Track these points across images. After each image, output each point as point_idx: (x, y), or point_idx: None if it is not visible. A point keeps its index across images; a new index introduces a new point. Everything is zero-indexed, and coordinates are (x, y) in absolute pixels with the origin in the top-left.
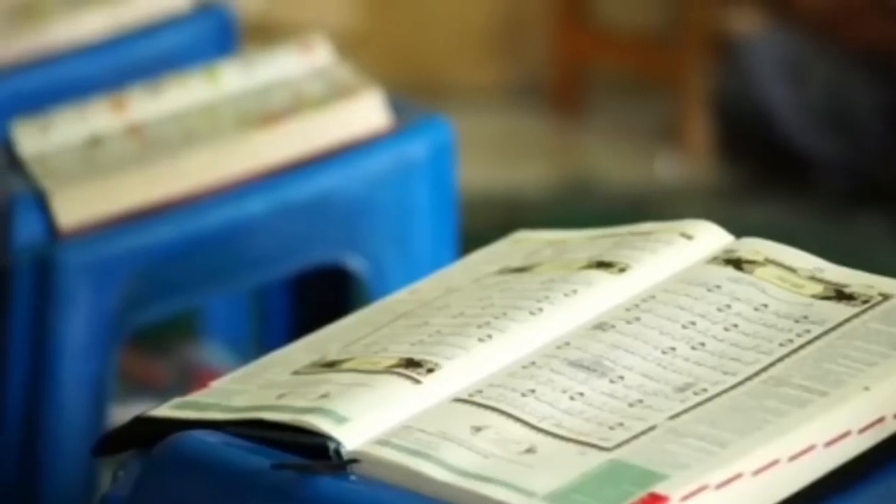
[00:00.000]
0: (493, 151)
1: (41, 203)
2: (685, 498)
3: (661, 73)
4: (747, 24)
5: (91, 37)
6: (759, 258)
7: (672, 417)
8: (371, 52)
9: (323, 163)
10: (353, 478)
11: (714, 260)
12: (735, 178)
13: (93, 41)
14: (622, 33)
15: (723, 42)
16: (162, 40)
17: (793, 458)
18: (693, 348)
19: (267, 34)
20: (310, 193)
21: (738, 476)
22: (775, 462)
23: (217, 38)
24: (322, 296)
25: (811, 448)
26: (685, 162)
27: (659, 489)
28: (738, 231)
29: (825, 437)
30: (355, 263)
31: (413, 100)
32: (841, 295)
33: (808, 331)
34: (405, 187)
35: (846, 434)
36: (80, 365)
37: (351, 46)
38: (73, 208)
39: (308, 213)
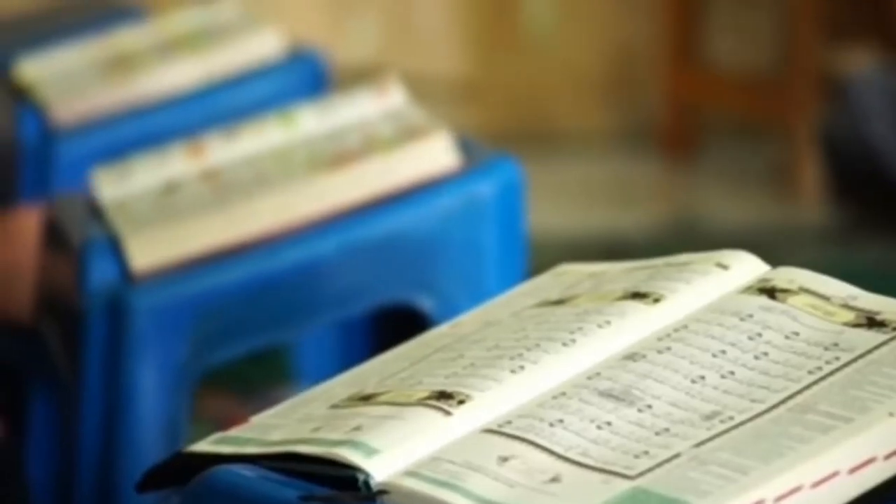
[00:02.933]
0: (603, 196)
1: (115, 247)
2: None
3: (771, 114)
4: (856, 64)
5: (184, 86)
6: (793, 287)
7: (697, 445)
8: (482, 99)
9: (392, 203)
10: None
11: (748, 289)
12: (846, 218)
13: (185, 90)
14: (732, 75)
15: (832, 82)
16: (254, 89)
17: (816, 484)
18: (722, 377)
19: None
20: (379, 233)
21: (761, 503)
22: (798, 489)
23: (309, 85)
24: (401, 335)
25: (835, 474)
26: (796, 203)
27: None
28: (849, 272)
29: (849, 464)
30: (425, 303)
31: (524, 146)
32: (872, 322)
33: (837, 358)
34: (473, 227)
35: (871, 460)
36: (153, 406)
37: (462, 93)
38: (147, 252)
39: (378, 254)
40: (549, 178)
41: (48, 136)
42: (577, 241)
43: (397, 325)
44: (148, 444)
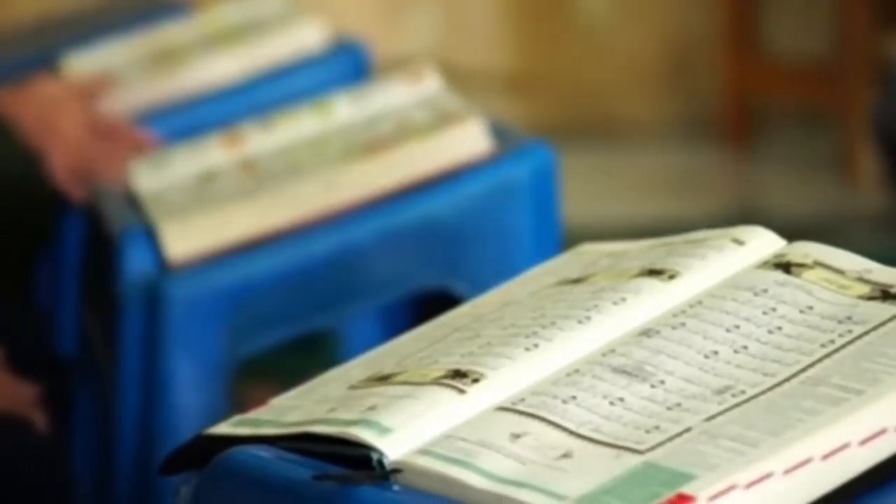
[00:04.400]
0: (663, 186)
1: (152, 236)
2: (713, 498)
3: (829, 101)
4: None
5: (227, 79)
6: (808, 261)
7: (708, 419)
8: (539, 92)
9: (426, 189)
10: (395, 487)
11: (763, 264)
12: None
13: (229, 83)
14: (790, 63)
15: (888, 69)
16: (297, 81)
17: (826, 456)
18: (736, 352)
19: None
20: (414, 220)
21: (769, 475)
22: (808, 461)
23: (352, 77)
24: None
25: (845, 446)
26: (855, 190)
27: (686, 489)
28: None
29: (860, 436)
30: (459, 288)
31: (583, 138)
32: (886, 295)
33: (850, 331)
34: (507, 212)
35: (882, 432)
36: (189, 395)
37: (519, 86)
38: (182, 241)
39: (412, 240)
40: (609, 170)
41: None
42: (637, 232)
43: (441, 310)
44: (185, 433)
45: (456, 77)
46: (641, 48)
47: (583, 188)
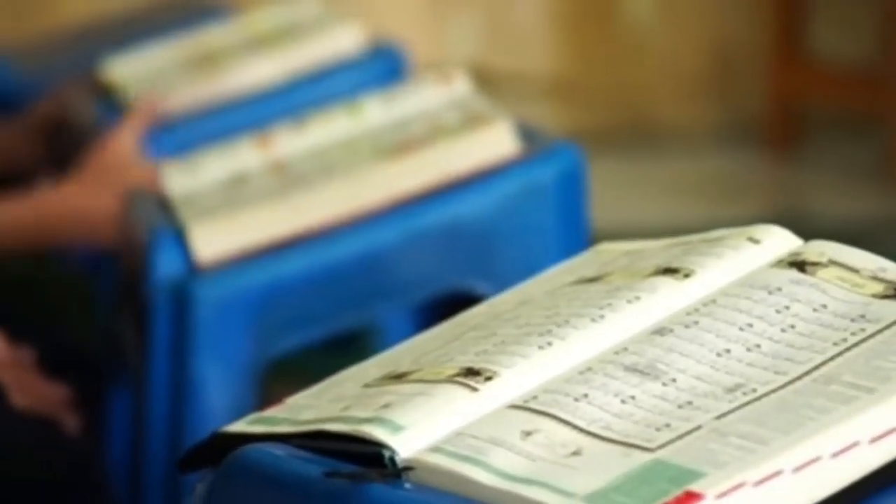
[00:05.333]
0: (707, 191)
1: (181, 238)
2: (721, 495)
3: (873, 106)
4: None
5: (265, 82)
6: (823, 260)
7: (718, 417)
8: (582, 96)
9: (453, 190)
10: (406, 485)
11: (778, 263)
12: None
13: (266, 87)
14: (835, 68)
15: None
16: (334, 84)
17: (836, 454)
18: (748, 350)
19: (480, 83)
20: (440, 221)
21: (778, 473)
22: (817, 459)
23: (388, 79)
24: None
25: (855, 445)
26: None
27: (695, 486)
28: None
29: (870, 434)
30: (486, 289)
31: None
32: None
33: (863, 329)
34: (534, 213)
35: (892, 430)
36: (218, 395)
37: (561, 90)
38: (211, 242)
39: (439, 241)
40: (651, 174)
41: None
42: (676, 236)
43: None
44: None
45: (498, 82)
46: (685, 53)
47: (624, 192)
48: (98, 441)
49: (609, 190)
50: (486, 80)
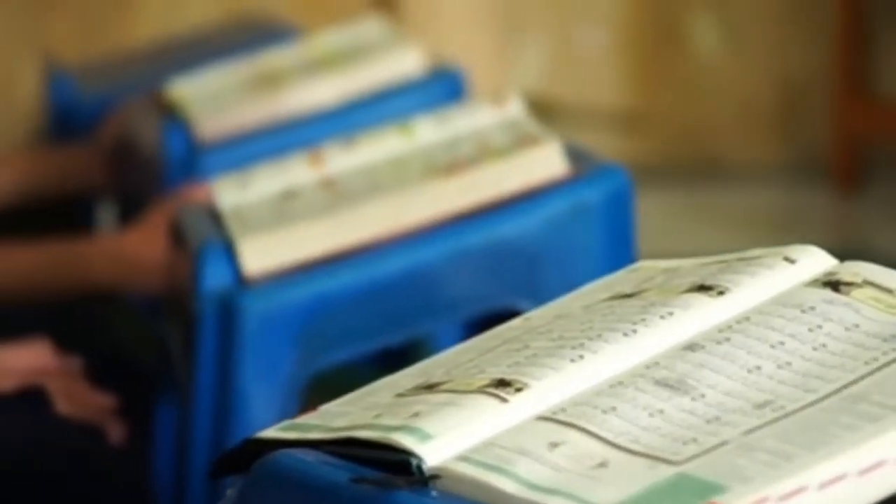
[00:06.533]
0: (770, 226)
1: (230, 251)
2: None
3: None
4: None
5: (325, 103)
6: (858, 280)
7: (746, 433)
8: (647, 129)
9: (500, 209)
10: (433, 493)
11: (813, 282)
12: None
13: (327, 107)
14: None
15: None
16: (393, 105)
17: (862, 472)
18: (779, 367)
19: (544, 112)
20: (487, 240)
21: (803, 489)
22: (843, 476)
23: (448, 102)
24: None
25: (882, 463)
26: None
27: (718, 500)
28: None
29: None
30: (531, 309)
31: (690, 176)
32: None
33: (895, 349)
34: (580, 233)
35: None
36: (262, 408)
37: (626, 123)
38: (259, 256)
39: (485, 260)
40: (716, 209)
41: (193, 150)
42: None
43: None
44: None
45: (563, 112)
46: (750, 86)
47: (686, 224)
48: (145, 452)
49: (671, 222)
50: (551, 110)
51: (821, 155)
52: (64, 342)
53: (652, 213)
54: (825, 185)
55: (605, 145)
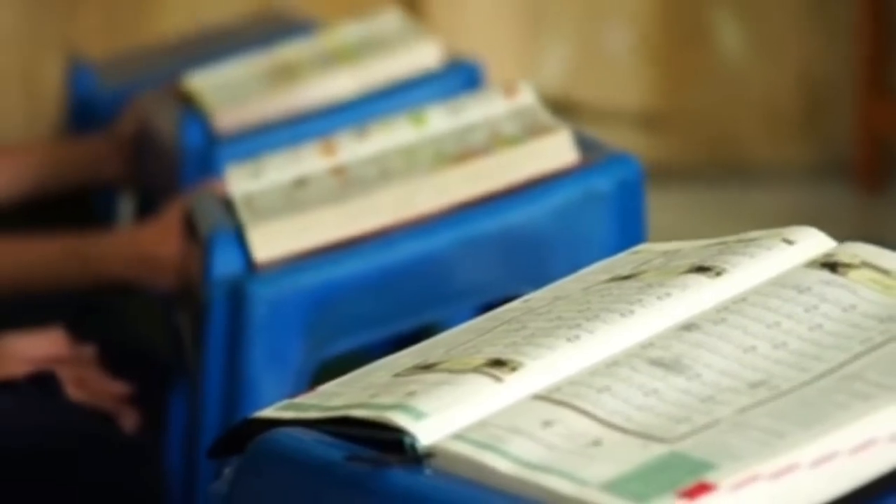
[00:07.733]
0: (793, 225)
1: (240, 238)
2: (735, 487)
3: None
4: None
5: (342, 95)
6: (856, 261)
7: (739, 412)
8: (671, 129)
9: (510, 197)
10: (427, 471)
11: (811, 264)
12: None
13: (343, 100)
14: None
15: None
16: (411, 97)
17: (854, 450)
18: (775, 347)
19: (567, 112)
20: (496, 228)
21: (794, 467)
22: (835, 454)
23: (466, 94)
24: None
25: (873, 442)
26: None
27: (708, 478)
28: None
29: (889, 431)
30: None
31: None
32: None
33: (891, 330)
34: (590, 222)
35: None
36: (271, 393)
37: (651, 123)
38: (269, 243)
39: (494, 248)
40: (740, 208)
41: (210, 141)
42: None
43: None
44: None
45: (587, 112)
46: (775, 87)
47: (710, 224)
48: (158, 439)
49: (695, 221)
50: (575, 109)
51: (844, 154)
52: (79, 332)
53: (676, 212)
54: (849, 183)
55: (629, 144)
